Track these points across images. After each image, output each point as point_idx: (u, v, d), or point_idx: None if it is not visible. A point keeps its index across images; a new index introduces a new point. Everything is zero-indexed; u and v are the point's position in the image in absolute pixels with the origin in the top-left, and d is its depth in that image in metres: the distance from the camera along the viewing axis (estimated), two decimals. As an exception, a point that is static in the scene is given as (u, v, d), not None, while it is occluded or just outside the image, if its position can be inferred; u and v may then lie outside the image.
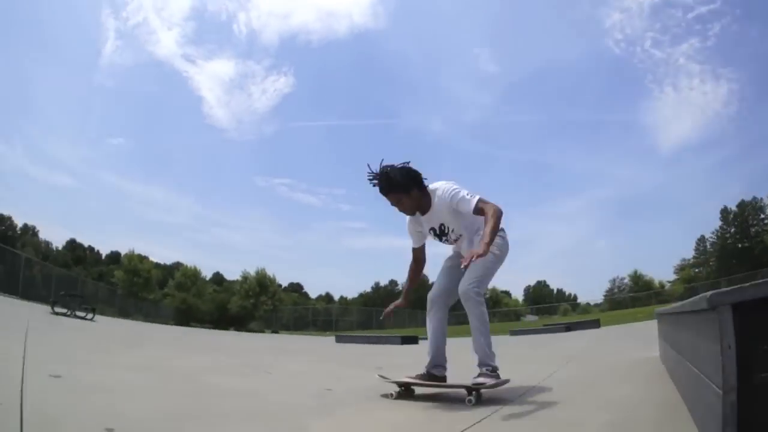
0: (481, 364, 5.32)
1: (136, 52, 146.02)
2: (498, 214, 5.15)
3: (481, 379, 5.13)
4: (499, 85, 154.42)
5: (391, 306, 6.33)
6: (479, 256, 4.63)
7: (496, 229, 5.06)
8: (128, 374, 6.11)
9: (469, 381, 5.16)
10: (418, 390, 5.63)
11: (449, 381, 5.56)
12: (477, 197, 5.33)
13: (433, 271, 6.63)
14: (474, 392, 4.91)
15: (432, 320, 5.89)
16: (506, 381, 5.23)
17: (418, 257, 6.32)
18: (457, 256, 5.99)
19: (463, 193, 5.41)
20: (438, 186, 5.66)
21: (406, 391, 5.51)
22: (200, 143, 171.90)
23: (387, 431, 3.92)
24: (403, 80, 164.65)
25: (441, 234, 5.88)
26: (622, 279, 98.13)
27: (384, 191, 5.61)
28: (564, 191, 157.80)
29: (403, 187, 5.53)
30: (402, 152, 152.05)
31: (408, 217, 5.93)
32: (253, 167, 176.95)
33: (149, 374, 6.42)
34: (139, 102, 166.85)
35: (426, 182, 5.69)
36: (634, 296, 75.18)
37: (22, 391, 3.74)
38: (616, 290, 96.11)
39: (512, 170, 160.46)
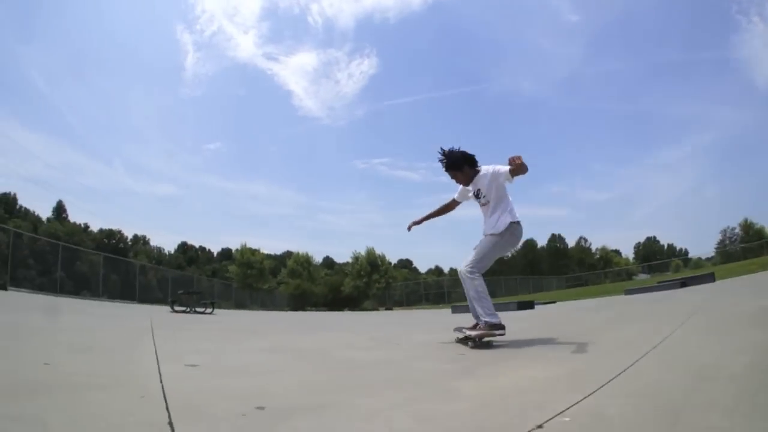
0: (479, 321, 7.07)
1: (217, 59, 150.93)
2: (526, 166, 6.62)
3: (469, 332, 7.05)
4: (583, 34, 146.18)
5: (411, 222, 8.54)
6: (515, 160, 6.56)
7: (524, 165, 6.57)
8: (262, 357, 6.27)
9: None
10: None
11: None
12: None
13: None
14: (470, 341, 6.92)
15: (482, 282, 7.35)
16: (493, 333, 6.81)
17: (451, 205, 8.26)
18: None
19: (501, 166, 7.03)
20: (485, 167, 7.41)
21: (465, 339, 7.15)
22: (295, 135, 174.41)
23: (533, 387, 3.87)
24: (485, 43, 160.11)
25: (477, 196, 7.55)
26: (733, 229, 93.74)
27: (445, 168, 7.61)
28: (664, 140, 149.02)
29: (457, 166, 7.48)
30: (495, 117, 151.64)
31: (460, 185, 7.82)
32: (351, 150, 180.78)
33: (282, 355, 6.59)
34: (229, 106, 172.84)
35: (479, 164, 7.53)
36: (745, 247, 71.46)
37: (161, 382, 3.81)
38: (727, 242, 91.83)
39: (609, 123, 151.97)
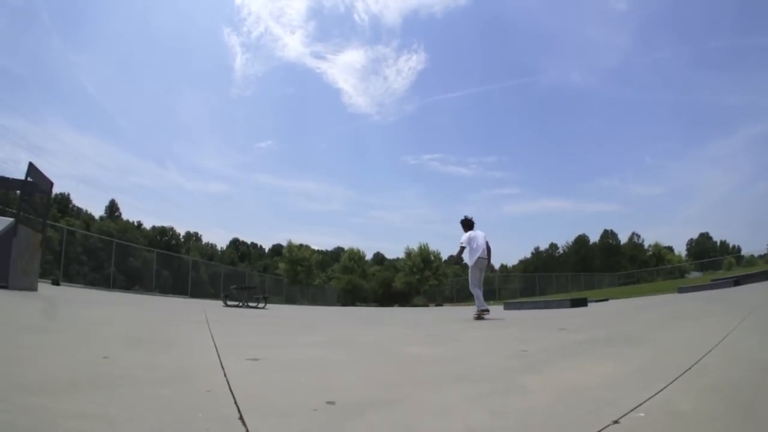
0: (477, 308, 13.70)
1: (265, 60, 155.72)
2: (456, 253, 14.87)
3: (474, 314, 13.72)
4: (632, 22, 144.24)
5: (449, 259, 18.40)
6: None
7: (451, 258, 16.92)
8: (322, 351, 6.24)
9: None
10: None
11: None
12: (460, 244, 14.57)
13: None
14: (475, 318, 13.54)
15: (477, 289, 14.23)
16: (483, 314, 13.60)
17: (462, 251, 14.92)
18: None
19: (461, 240, 14.50)
20: (467, 233, 14.57)
21: (479, 318, 13.53)
22: (346, 132, 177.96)
23: (601, 383, 3.82)
24: (533, 35, 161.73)
25: (466, 243, 14.64)
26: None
27: (464, 226, 14.67)
28: (717, 131, 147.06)
29: (465, 226, 14.81)
30: (544, 109, 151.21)
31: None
32: (402, 147, 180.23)
33: (342, 349, 6.56)
34: (279, 105, 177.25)
35: (473, 227, 14.85)
36: (799, 244, 70.20)
37: (225, 376, 3.81)
38: None
39: (660, 114, 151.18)
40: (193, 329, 8.63)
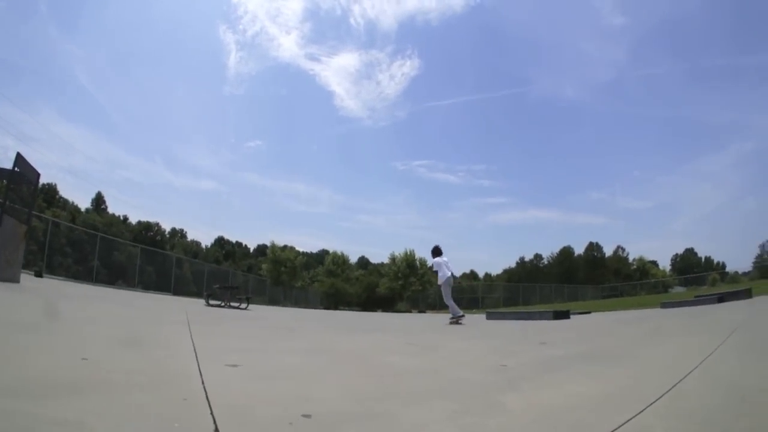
0: (451, 315, 17.50)
1: (259, 59, 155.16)
2: (436, 273, 19.31)
3: (450, 320, 17.30)
4: (627, 37, 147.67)
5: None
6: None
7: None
8: (301, 359, 6.18)
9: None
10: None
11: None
12: (432, 268, 19.59)
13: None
14: (451, 323, 16.85)
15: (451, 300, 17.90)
16: (458, 319, 17.09)
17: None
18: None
19: (433, 264, 19.07)
20: (434, 259, 18.96)
21: (456, 323, 16.84)
22: (336, 135, 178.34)
23: (580, 404, 3.79)
24: (528, 46, 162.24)
25: (433, 266, 19.26)
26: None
27: (432, 254, 19.07)
28: (707, 147, 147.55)
29: (434, 253, 19.01)
30: (536, 121, 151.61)
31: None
32: (391, 152, 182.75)
33: (321, 357, 6.54)
34: (271, 105, 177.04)
35: (441, 254, 19.03)
36: (783, 262, 70.38)
37: (203, 383, 3.77)
38: (765, 256, 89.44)
39: (651, 129, 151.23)
40: (174, 330, 8.60)
